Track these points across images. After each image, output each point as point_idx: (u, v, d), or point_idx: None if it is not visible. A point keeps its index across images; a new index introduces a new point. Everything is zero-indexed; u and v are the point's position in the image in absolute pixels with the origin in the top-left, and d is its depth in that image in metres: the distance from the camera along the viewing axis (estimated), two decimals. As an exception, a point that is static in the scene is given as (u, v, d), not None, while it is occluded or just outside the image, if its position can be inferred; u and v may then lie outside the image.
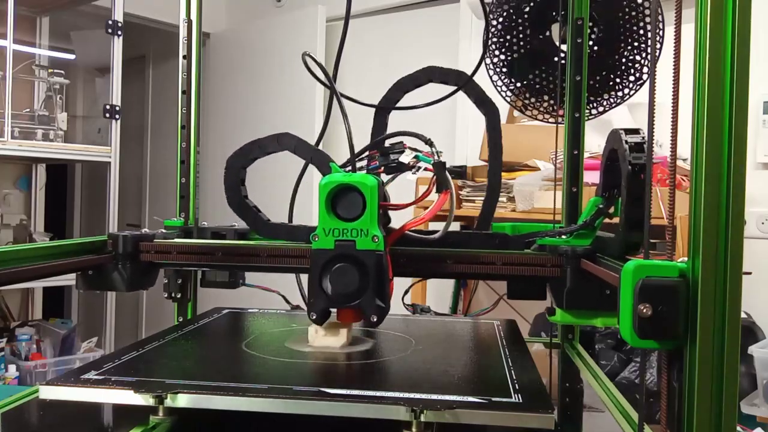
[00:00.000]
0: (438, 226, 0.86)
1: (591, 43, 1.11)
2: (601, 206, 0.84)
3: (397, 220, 0.85)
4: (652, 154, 0.61)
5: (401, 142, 0.86)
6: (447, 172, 0.81)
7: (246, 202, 0.90)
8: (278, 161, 0.95)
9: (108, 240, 0.89)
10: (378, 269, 0.75)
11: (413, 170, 0.83)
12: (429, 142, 0.83)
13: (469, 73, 0.96)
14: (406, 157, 0.83)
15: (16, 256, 0.73)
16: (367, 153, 0.87)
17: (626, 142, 0.73)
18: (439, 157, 0.81)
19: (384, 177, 0.85)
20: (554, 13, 1.12)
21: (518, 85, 1.16)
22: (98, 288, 0.90)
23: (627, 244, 0.74)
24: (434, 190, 0.81)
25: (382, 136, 0.90)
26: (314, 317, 0.77)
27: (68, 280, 2.33)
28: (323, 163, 0.84)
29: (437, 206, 0.79)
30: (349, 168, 0.85)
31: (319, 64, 0.91)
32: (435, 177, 0.81)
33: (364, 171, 0.83)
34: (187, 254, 0.91)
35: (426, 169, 0.82)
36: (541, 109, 1.17)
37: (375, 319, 0.76)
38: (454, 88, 0.96)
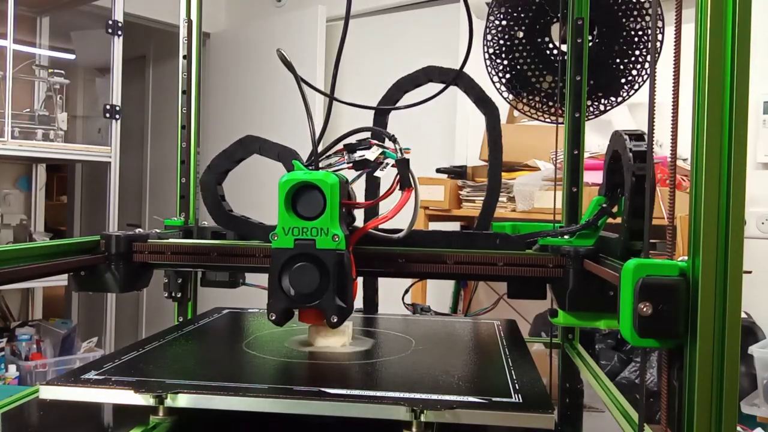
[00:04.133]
0: (437, 226, 0.85)
1: (591, 43, 1.11)
2: (604, 205, 0.83)
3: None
4: (652, 155, 0.61)
5: (367, 139, 0.84)
6: (410, 170, 0.79)
7: (232, 216, 0.90)
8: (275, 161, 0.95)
9: (101, 240, 0.88)
10: (339, 269, 0.74)
11: (380, 167, 0.81)
12: (393, 139, 0.81)
13: (469, 72, 0.95)
14: (372, 154, 0.81)
15: (7, 256, 0.72)
16: (334, 150, 0.85)
17: (630, 150, 0.72)
18: (403, 153, 0.80)
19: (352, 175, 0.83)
20: (554, 13, 1.12)
21: (518, 84, 1.16)
22: (91, 289, 0.89)
23: (628, 251, 0.74)
24: (398, 188, 0.80)
25: (345, 133, 0.87)
26: (274, 317, 0.75)
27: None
28: (289, 160, 0.83)
29: (399, 205, 0.78)
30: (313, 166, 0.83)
31: (288, 62, 0.88)
32: (398, 175, 0.80)
33: (332, 169, 0.81)
34: (181, 254, 0.90)
35: (393, 165, 0.81)
36: (541, 108, 1.17)
37: (335, 320, 0.74)
38: (454, 87, 0.95)
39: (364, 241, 0.82)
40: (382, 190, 0.89)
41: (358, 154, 0.82)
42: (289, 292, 0.75)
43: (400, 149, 0.80)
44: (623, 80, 1.13)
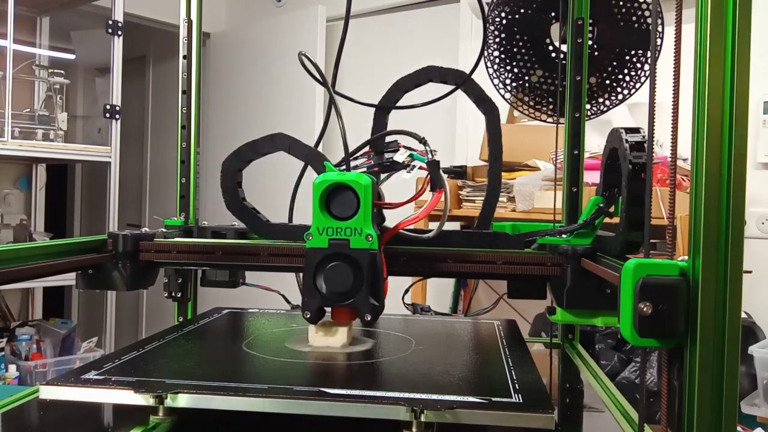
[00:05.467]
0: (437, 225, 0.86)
1: (591, 43, 1.11)
2: (601, 205, 0.84)
3: (395, 218, 0.85)
4: (652, 155, 0.61)
5: (396, 141, 0.86)
6: (441, 171, 0.81)
7: (244, 205, 0.90)
8: (278, 161, 0.95)
9: (108, 239, 0.89)
10: (372, 268, 0.76)
11: (407, 169, 0.83)
12: (423, 141, 0.83)
13: (468, 72, 0.95)
14: (400, 156, 0.83)
15: (16, 255, 0.73)
16: (362, 152, 0.87)
17: (626, 141, 0.73)
18: (433, 155, 0.82)
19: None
20: (554, 13, 1.12)
21: (518, 84, 1.16)
22: (98, 287, 0.90)
23: (627, 243, 0.74)
24: (428, 189, 0.82)
25: (376, 135, 0.89)
26: (308, 316, 0.78)
27: (68, 279, 2.33)
28: (318, 162, 0.84)
29: (431, 205, 0.80)
30: (344, 167, 0.85)
31: (315, 64, 0.91)
32: (429, 176, 0.81)
33: (360, 170, 0.83)
34: (187, 253, 0.91)
35: (420, 167, 0.82)
36: (541, 109, 1.17)
37: (369, 318, 0.76)
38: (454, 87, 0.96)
39: (394, 241, 0.83)
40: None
41: (386, 157, 0.84)
42: (323, 290, 0.76)
43: (430, 151, 0.82)
44: (623, 80, 1.13)
